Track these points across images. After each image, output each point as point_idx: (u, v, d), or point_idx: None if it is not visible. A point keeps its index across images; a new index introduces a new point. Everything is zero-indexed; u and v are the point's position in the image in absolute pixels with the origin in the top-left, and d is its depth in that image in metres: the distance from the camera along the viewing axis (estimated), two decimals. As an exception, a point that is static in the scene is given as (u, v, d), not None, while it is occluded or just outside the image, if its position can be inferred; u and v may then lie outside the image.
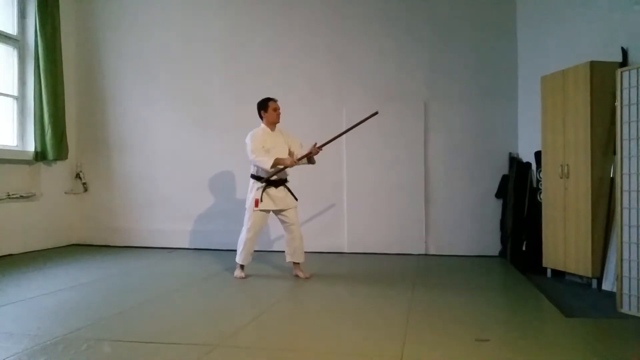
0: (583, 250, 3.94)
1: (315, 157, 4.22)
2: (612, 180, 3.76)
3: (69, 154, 6.06)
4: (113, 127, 6.31)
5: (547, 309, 3.34)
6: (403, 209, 5.56)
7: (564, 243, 4.16)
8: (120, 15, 6.28)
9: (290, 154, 4.29)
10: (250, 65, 5.93)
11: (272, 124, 4.24)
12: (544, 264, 4.43)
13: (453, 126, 5.55)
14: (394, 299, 3.55)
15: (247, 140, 4.15)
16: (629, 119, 3.22)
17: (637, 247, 3.14)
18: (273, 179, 4.13)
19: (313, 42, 5.83)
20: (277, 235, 5.58)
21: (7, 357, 2.38)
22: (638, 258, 3.13)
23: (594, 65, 3.85)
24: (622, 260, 3.23)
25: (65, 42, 6.04)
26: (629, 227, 3.19)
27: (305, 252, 4.33)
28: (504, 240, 5.25)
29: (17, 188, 5.50)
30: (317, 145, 4.11)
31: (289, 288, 4.00)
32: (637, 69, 3.21)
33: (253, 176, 4.21)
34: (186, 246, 6.00)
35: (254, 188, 4.18)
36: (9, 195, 5.36)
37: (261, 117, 4.26)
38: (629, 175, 3.21)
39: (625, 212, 3.22)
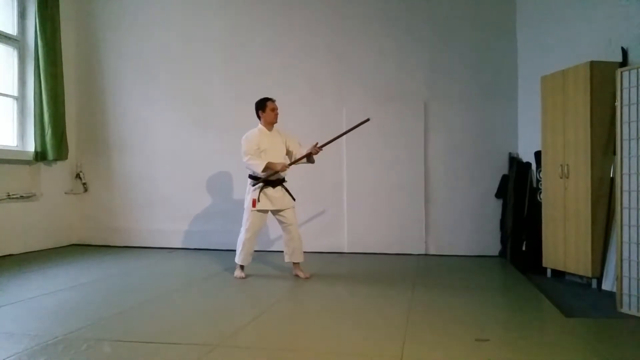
0: (583, 250, 3.94)
1: (315, 157, 4.22)
2: (612, 180, 3.76)
3: (69, 154, 6.06)
4: (113, 127, 6.31)
5: (547, 309, 3.34)
6: (403, 209, 5.56)
7: (564, 243, 4.16)
8: (120, 15, 6.29)
9: (289, 153, 4.30)
10: (250, 65, 5.93)
11: (270, 124, 4.24)
12: (544, 264, 4.43)
13: (453, 126, 5.55)
14: (394, 299, 3.55)
15: (242, 141, 4.17)
16: (629, 119, 3.22)
17: (637, 247, 3.14)
18: (271, 179, 4.13)
19: (313, 42, 5.83)
20: (277, 235, 5.57)
21: (7, 357, 2.38)
22: (638, 258, 3.13)
23: (594, 65, 3.85)
24: (622, 260, 3.23)
25: (65, 42, 6.04)
26: (629, 227, 3.20)
27: (305, 252, 4.33)
28: (504, 240, 5.25)
29: (17, 188, 5.50)
30: (318, 145, 4.11)
31: (289, 288, 4.00)
32: (637, 69, 3.21)
33: (251, 176, 4.21)
34: (186, 246, 6.00)
35: (251, 188, 4.19)
36: (9, 195, 5.36)
37: (259, 117, 4.26)
38: (629, 175, 3.21)
39: (625, 212, 3.22)
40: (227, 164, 5.89)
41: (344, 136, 4.45)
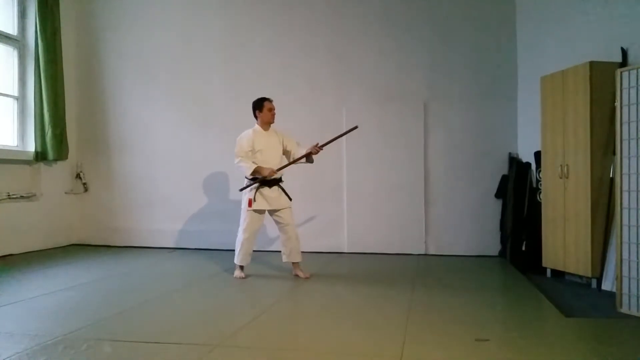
0: (583, 250, 3.94)
1: (315, 157, 4.22)
2: (612, 180, 3.76)
3: (69, 154, 6.06)
4: (113, 127, 6.32)
5: (547, 309, 3.34)
6: (403, 209, 5.57)
7: (564, 243, 4.16)
8: (120, 15, 6.29)
9: (287, 153, 4.30)
10: (250, 65, 5.93)
11: (267, 124, 4.25)
12: (544, 264, 4.44)
13: (453, 126, 5.55)
14: (394, 299, 3.55)
15: (236, 141, 4.20)
16: (629, 119, 3.22)
17: (637, 247, 3.14)
18: (267, 179, 4.13)
19: (313, 42, 5.83)
20: (276, 235, 5.54)
21: (7, 357, 2.38)
22: (638, 258, 3.14)
23: (593, 66, 3.85)
24: (621, 260, 3.24)
25: (65, 42, 6.04)
26: (629, 227, 3.20)
27: (305, 252, 4.34)
28: (503, 240, 5.25)
29: (17, 188, 5.50)
30: (319, 145, 4.11)
31: (288, 288, 4.00)
32: (637, 69, 3.21)
33: (247, 176, 4.22)
34: (186, 246, 6.00)
35: (247, 189, 4.19)
36: (9, 195, 5.37)
37: (256, 117, 4.27)
38: (629, 175, 3.22)
39: (625, 212, 3.23)
40: (227, 164, 5.86)
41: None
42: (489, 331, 2.80)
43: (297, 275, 4.27)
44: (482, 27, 5.51)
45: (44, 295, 3.64)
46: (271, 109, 4.23)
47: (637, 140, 3.17)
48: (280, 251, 4.35)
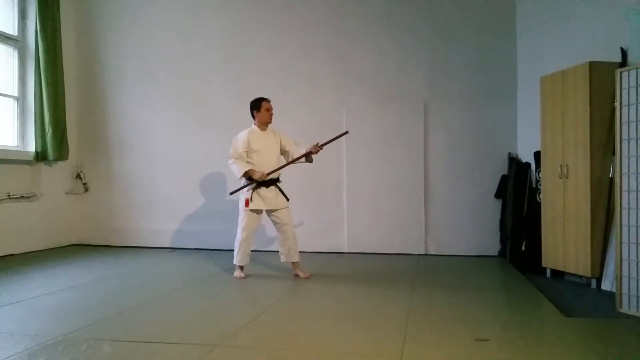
0: (582, 250, 3.94)
1: (314, 157, 4.22)
2: (612, 180, 3.76)
3: (69, 154, 6.06)
4: (113, 127, 6.32)
5: (546, 308, 3.34)
6: (403, 209, 5.57)
7: (564, 243, 4.16)
8: (120, 15, 6.29)
9: (285, 153, 4.31)
10: (250, 65, 5.93)
11: (264, 124, 4.25)
12: (544, 264, 4.44)
13: (453, 126, 5.55)
14: (394, 299, 3.55)
15: (232, 141, 4.20)
16: (628, 119, 3.22)
17: (637, 247, 3.14)
18: (264, 179, 4.13)
19: (313, 42, 5.83)
20: (276, 235, 5.56)
21: (7, 357, 2.38)
22: (637, 258, 3.14)
23: (593, 66, 3.86)
24: (621, 260, 3.24)
25: (65, 42, 6.04)
26: (629, 227, 3.20)
27: (305, 252, 4.35)
28: (503, 240, 5.25)
29: (17, 188, 5.50)
30: (320, 144, 4.11)
31: (288, 288, 4.01)
32: (637, 69, 3.21)
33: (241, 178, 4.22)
34: (186, 246, 6.00)
35: (244, 189, 4.20)
36: (9, 195, 5.37)
37: (253, 117, 4.27)
38: (629, 175, 3.22)
39: (625, 212, 3.23)
40: (227, 164, 5.84)
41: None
42: (489, 331, 2.80)
43: (297, 275, 4.28)
44: (482, 27, 5.52)
45: (44, 295, 3.65)
46: (269, 109, 4.23)
47: (637, 140, 3.17)
48: (278, 251, 4.35)
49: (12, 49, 5.70)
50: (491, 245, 5.41)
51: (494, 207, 5.42)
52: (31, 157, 5.67)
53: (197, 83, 6.07)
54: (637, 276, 3.13)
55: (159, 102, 6.18)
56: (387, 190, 5.60)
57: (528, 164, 5.07)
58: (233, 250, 4.31)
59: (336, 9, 5.80)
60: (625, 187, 3.24)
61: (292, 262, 4.29)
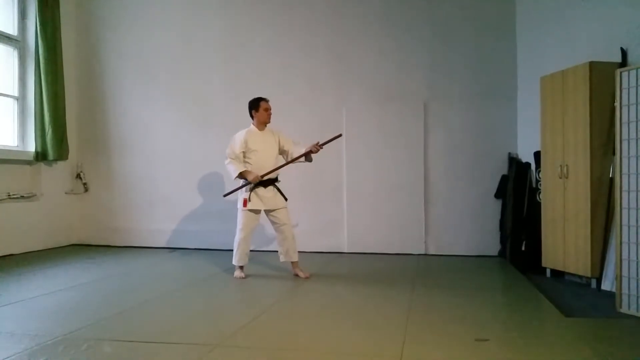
0: (582, 250, 3.94)
1: (314, 157, 4.22)
2: (612, 180, 3.76)
3: (69, 154, 6.06)
4: (113, 127, 6.32)
5: (546, 308, 3.34)
6: (403, 209, 5.57)
7: (563, 243, 4.16)
8: (120, 15, 6.29)
9: (284, 152, 4.31)
10: (250, 65, 5.93)
11: (262, 124, 4.25)
12: (544, 264, 4.44)
13: (453, 126, 5.56)
14: (394, 299, 3.55)
15: (229, 142, 4.20)
16: (628, 119, 3.22)
17: (637, 247, 3.14)
18: (262, 179, 4.13)
19: (313, 42, 5.83)
20: (275, 235, 5.57)
21: (7, 357, 2.38)
22: (637, 258, 3.14)
23: (593, 66, 3.86)
24: (621, 260, 3.24)
25: (65, 42, 6.04)
26: (629, 227, 3.20)
27: (305, 252, 4.35)
28: (503, 240, 5.25)
29: (17, 188, 5.50)
30: (320, 144, 4.11)
31: (288, 288, 4.01)
32: (637, 69, 3.21)
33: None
34: (186, 246, 6.00)
35: (242, 189, 4.20)
36: (9, 195, 5.37)
37: (252, 117, 4.27)
38: (629, 175, 3.22)
39: (625, 212, 3.23)
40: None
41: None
42: (489, 331, 2.80)
43: (296, 275, 4.28)
44: (482, 27, 5.52)
45: (44, 295, 3.65)
46: (267, 109, 4.23)
47: (637, 140, 3.17)
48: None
49: (12, 49, 5.70)
50: (491, 245, 5.41)
51: (494, 207, 5.42)
52: (31, 157, 5.67)
53: (197, 83, 6.07)
54: (637, 276, 3.13)
55: (159, 102, 6.18)
56: (387, 190, 5.60)
57: (528, 164, 5.07)
58: (233, 250, 4.31)
59: (336, 9, 5.80)
60: (625, 187, 3.24)
61: (292, 262, 4.30)
